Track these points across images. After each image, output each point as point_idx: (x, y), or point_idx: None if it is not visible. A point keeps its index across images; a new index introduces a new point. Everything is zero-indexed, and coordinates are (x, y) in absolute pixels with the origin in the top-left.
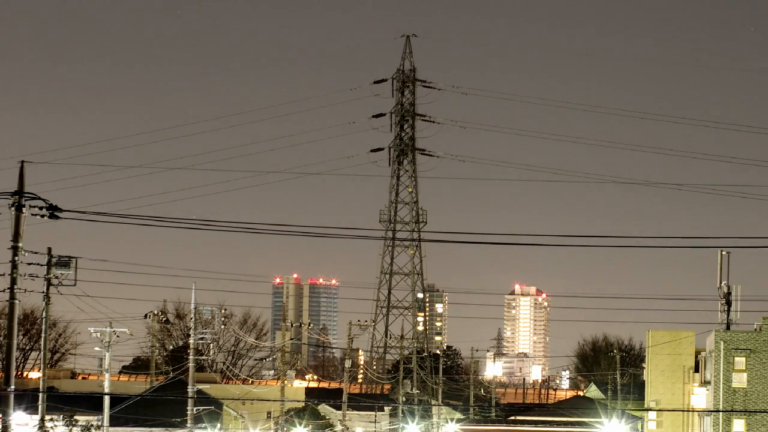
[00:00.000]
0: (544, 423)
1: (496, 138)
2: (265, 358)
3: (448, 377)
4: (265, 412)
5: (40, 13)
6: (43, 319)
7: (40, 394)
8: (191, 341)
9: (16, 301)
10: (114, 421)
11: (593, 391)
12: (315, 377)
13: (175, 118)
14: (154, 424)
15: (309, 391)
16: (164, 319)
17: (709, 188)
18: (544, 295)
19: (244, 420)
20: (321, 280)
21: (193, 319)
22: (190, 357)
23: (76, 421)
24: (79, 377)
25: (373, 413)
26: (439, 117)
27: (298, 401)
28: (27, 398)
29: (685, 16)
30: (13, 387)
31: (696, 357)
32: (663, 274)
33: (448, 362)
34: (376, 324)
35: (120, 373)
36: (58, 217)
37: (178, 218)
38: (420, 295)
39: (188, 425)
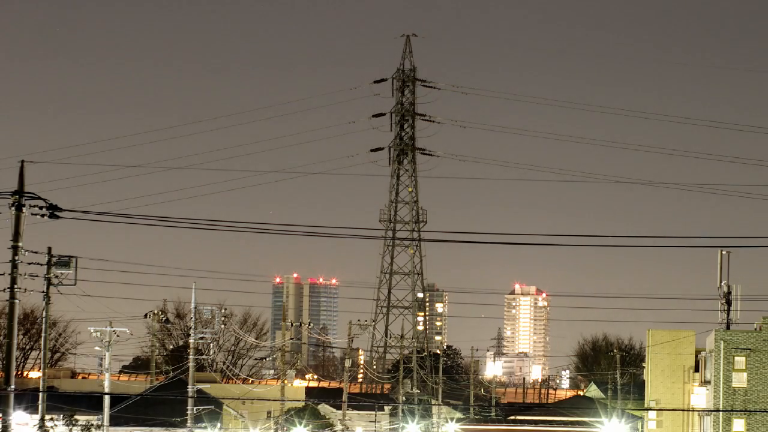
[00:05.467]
0: (544, 423)
1: (496, 138)
2: (265, 358)
3: (448, 377)
4: (265, 411)
5: (40, 13)
6: (43, 319)
7: (40, 394)
8: (191, 341)
9: (16, 301)
10: (114, 421)
11: (593, 391)
12: (315, 377)
13: (175, 118)
14: (154, 423)
15: (309, 391)
16: (164, 318)
17: (711, 188)
18: (544, 295)
19: (244, 419)
20: (321, 280)
21: (193, 319)
22: (190, 357)
23: (76, 420)
24: (79, 377)
25: (373, 413)
26: (439, 117)
27: (298, 401)
28: (27, 398)
29: (686, 16)
30: (13, 386)
31: (696, 357)
32: (663, 274)
33: (448, 362)
34: (376, 324)
35: (120, 372)
36: (58, 217)
37: (179, 218)
38: (420, 295)
39: (188, 425)
